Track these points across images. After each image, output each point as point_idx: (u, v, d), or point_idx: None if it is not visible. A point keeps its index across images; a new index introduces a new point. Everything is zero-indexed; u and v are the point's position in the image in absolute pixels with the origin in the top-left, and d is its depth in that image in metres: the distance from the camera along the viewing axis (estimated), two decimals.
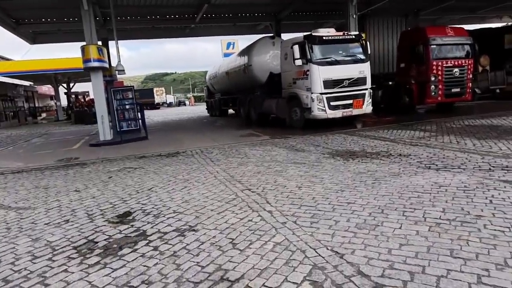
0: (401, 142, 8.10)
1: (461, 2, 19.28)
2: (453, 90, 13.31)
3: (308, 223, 3.69)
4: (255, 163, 6.99)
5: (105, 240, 3.68)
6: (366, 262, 2.78)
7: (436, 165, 5.77)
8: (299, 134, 10.64)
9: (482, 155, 6.17)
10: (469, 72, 13.48)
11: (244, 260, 2.99)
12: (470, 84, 13.72)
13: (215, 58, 59.04)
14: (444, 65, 13.02)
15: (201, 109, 32.15)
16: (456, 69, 13.16)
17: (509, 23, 24.71)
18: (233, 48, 34.55)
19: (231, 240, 3.41)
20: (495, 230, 3.17)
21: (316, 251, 3.02)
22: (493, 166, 5.39)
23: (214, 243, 3.37)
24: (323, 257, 2.90)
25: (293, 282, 2.58)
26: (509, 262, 2.61)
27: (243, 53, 16.61)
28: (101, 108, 12.24)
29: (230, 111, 21.50)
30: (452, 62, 13.15)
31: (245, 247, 3.22)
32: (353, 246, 3.07)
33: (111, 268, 3.03)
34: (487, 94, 17.24)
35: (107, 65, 12.96)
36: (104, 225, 4.12)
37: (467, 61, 13.39)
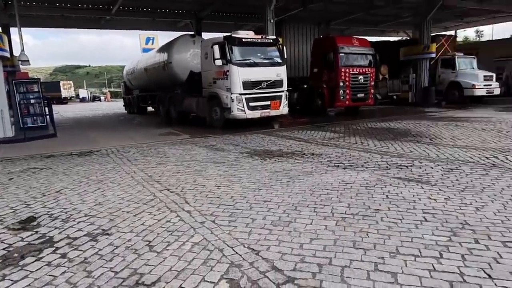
0: (314, 142, 8.59)
1: (366, 16, 21.12)
2: (358, 95, 14.52)
3: (227, 222, 3.73)
4: (175, 163, 6.84)
5: (3, 249, 3.30)
6: (280, 257, 2.90)
7: (344, 164, 6.24)
8: (219, 133, 10.68)
9: (381, 155, 6.84)
10: (371, 79, 14.83)
11: (161, 262, 2.92)
12: (373, 90, 15.10)
13: (133, 52, 56.12)
14: (351, 72, 14.13)
15: (118, 106, 30.39)
16: (361, 76, 14.38)
17: (404, 38, 27.69)
18: (152, 43, 33.17)
19: (147, 243, 3.30)
20: (390, 222, 3.55)
21: (233, 249, 3.07)
22: (389, 165, 6.00)
23: (129, 247, 3.23)
24: (240, 255, 2.96)
25: (211, 282, 2.59)
26: (400, 250, 2.94)
27: (163, 49, 16.11)
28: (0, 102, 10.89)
29: (150, 108, 20.70)
30: (358, 70, 14.33)
31: (162, 249, 3.15)
32: (269, 242, 3.19)
33: (11, 280, 2.73)
34: (386, 99, 19.15)
35: (7, 54, 11.55)
36: (3, 233, 3.69)
37: (370, 70, 14.71)
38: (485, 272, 2.57)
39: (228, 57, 10.95)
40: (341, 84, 14.01)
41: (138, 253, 3.09)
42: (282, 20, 17.15)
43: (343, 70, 13.99)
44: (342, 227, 3.47)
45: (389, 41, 25.69)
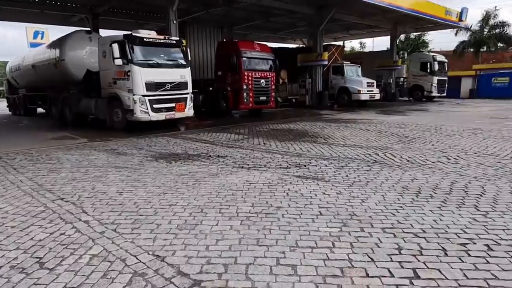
0: (219, 144, 8.66)
1: (266, 23, 22.05)
2: (261, 98, 15.07)
3: (129, 229, 3.54)
4: (70, 169, 6.25)
5: None
6: (186, 261, 2.86)
7: (248, 164, 6.41)
8: (121, 136, 10.07)
9: (282, 155, 7.21)
10: (272, 83, 15.54)
11: (54, 280, 2.64)
12: (274, 93, 15.83)
13: (19, 47, 49.61)
14: (254, 76, 14.61)
15: (0, 107, 26.56)
16: (263, 80, 14.96)
17: (301, 45, 29.61)
18: (42, 38, 29.74)
19: (37, 260, 2.95)
20: (290, 218, 3.76)
21: (137, 258, 2.93)
22: (289, 164, 6.36)
23: (15, 266, 2.85)
24: (144, 263, 2.84)
25: None
26: (299, 244, 3.14)
27: (54, 45, 14.53)
28: None
29: (40, 109, 18.51)
30: (260, 74, 14.88)
31: (56, 265, 2.85)
32: (174, 247, 3.12)
33: None
34: (286, 102, 20.24)
35: None
36: None
37: (271, 74, 15.40)
38: (368, 256, 2.89)
39: (129, 57, 10.39)
40: (245, 87, 14.39)
41: (26, 272, 2.75)
42: (185, 22, 16.92)
43: (246, 73, 14.38)
44: (247, 226, 3.57)
45: (288, 48, 27.25)
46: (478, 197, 4.34)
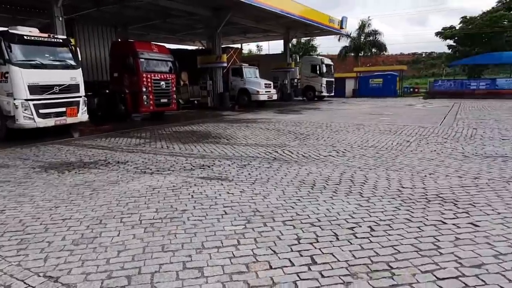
0: (119, 150, 8.14)
1: (164, 24, 21.39)
2: (162, 101, 14.61)
3: (15, 251, 3.11)
4: None
5: None
6: (84, 278, 2.63)
7: (151, 169, 6.16)
8: (1, 147, 8.75)
9: (186, 157, 7.10)
10: (173, 85, 15.19)
11: None
12: (175, 95, 15.49)
13: None
14: (153, 77, 14.08)
15: None
16: (163, 82, 14.52)
17: (200, 47, 29.52)
18: None
19: None
20: (195, 220, 3.73)
21: (24, 282, 2.59)
22: (193, 166, 6.30)
23: None
24: (33, 287, 2.52)
25: None
26: (205, 245, 3.13)
27: None
28: None
29: None
30: (159, 76, 14.41)
31: None
32: (70, 265, 2.84)
33: None
34: (189, 104, 20.00)
35: None
36: None
37: (171, 76, 15.03)
38: (271, 249, 3.03)
39: (7, 57, 9.10)
40: (144, 89, 13.79)
41: None
42: (73, 19, 15.49)
43: (144, 75, 13.80)
44: (151, 233, 3.43)
45: (187, 50, 26.88)
46: (362, 185, 4.88)
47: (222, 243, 3.16)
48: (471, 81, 29.10)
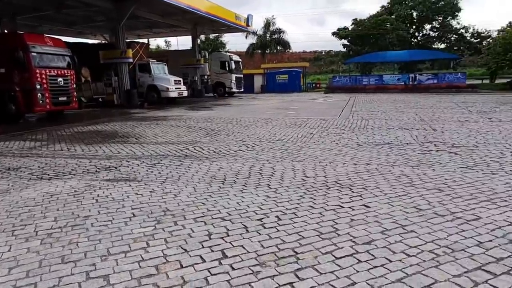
0: (9, 155, 7.19)
1: (59, 15, 19.41)
2: (60, 99, 13.27)
3: None
4: None
5: None
6: None
7: (48, 174, 5.57)
8: None
9: (90, 159, 6.57)
10: (72, 82, 13.87)
11: None
12: (76, 93, 14.18)
13: None
14: (48, 73, 12.69)
15: None
16: (60, 79, 13.19)
17: (103, 41, 27.48)
18: None
19: None
20: (100, 225, 3.48)
21: None
22: (98, 168, 5.86)
23: None
24: None
25: None
26: (111, 251, 2.94)
27: None
28: None
29: None
30: (56, 71, 13.05)
31: None
32: None
33: None
34: (92, 102, 18.51)
35: None
36: None
37: (69, 72, 13.71)
38: (182, 248, 2.98)
39: None
40: (38, 86, 12.35)
41: None
42: None
43: (38, 71, 12.36)
44: (49, 244, 3.11)
45: (87, 43, 24.83)
46: (270, 177, 5.08)
47: (130, 247, 3.00)
48: (363, 77, 32.36)
